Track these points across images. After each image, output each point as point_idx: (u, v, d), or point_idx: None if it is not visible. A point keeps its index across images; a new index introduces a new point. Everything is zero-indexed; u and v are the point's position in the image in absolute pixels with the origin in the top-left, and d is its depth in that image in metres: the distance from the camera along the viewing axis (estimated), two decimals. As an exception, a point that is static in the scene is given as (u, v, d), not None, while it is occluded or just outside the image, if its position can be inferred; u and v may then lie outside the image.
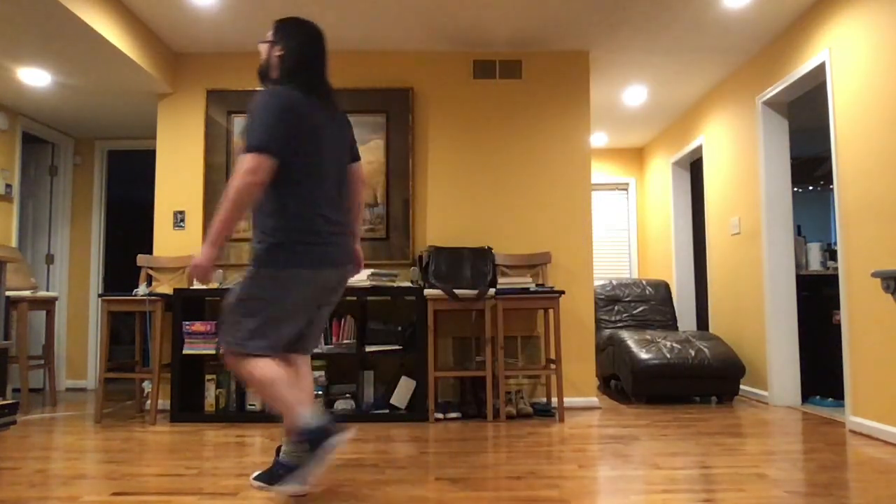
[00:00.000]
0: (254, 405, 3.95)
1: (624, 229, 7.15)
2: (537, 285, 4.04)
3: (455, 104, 4.51)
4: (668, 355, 4.44)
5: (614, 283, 5.63)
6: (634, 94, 5.36)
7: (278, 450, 2.39)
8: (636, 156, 7.16)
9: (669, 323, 5.49)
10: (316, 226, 2.31)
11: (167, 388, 4.20)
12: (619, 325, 5.42)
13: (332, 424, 2.23)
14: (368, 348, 3.94)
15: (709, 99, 5.35)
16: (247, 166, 2.18)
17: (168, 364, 4.04)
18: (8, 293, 4.32)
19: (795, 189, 6.66)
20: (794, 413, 4.04)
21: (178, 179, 4.47)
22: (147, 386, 4.19)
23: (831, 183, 6.73)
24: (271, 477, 2.26)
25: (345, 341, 3.98)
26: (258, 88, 4.48)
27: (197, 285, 4.11)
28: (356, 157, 2.59)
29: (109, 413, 4.24)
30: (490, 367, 3.84)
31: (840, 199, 3.58)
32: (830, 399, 4.28)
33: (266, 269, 2.27)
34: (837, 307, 4.26)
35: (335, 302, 2.49)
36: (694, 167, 6.16)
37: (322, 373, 3.97)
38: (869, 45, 3.34)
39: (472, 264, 4.17)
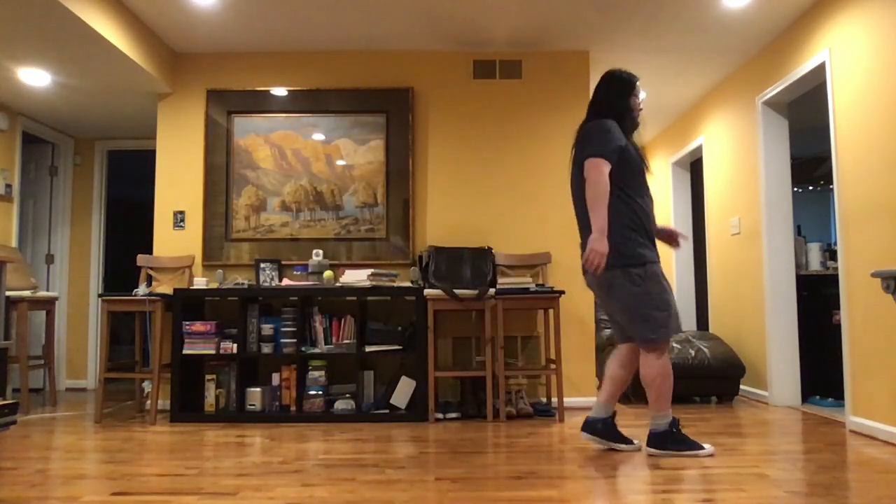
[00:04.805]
0: (254, 405, 3.95)
1: (624, 229, 7.13)
2: (537, 285, 4.04)
3: (455, 104, 4.51)
4: (668, 355, 4.43)
5: (614, 283, 5.62)
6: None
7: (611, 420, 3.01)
8: (636, 156, 7.15)
9: (669, 323, 5.47)
10: None
11: (167, 388, 4.19)
12: (619, 325, 5.41)
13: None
14: (368, 348, 3.94)
15: (709, 99, 5.35)
16: None
17: (168, 364, 4.04)
18: (8, 293, 4.32)
19: (795, 189, 6.64)
20: (794, 413, 4.04)
21: (178, 179, 4.47)
22: (147, 386, 4.19)
23: (831, 183, 6.71)
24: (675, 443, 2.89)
25: (345, 341, 3.98)
26: (258, 89, 4.49)
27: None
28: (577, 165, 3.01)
29: (109, 413, 4.24)
30: (490, 367, 3.84)
31: (840, 199, 3.58)
32: (830, 399, 4.28)
33: None
34: (837, 307, 4.26)
35: (607, 302, 2.96)
36: (694, 167, 6.15)
37: (322, 373, 3.96)
38: (869, 45, 3.34)
39: (472, 264, 4.17)
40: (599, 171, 2.81)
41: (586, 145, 2.90)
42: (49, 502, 2.25)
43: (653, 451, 2.91)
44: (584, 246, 2.97)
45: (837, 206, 3.60)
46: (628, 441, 3.01)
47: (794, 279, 4.37)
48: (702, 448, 2.87)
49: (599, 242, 2.77)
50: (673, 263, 6.17)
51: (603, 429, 3.00)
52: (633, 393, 4.46)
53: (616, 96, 3.04)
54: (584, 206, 2.94)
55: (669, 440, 2.88)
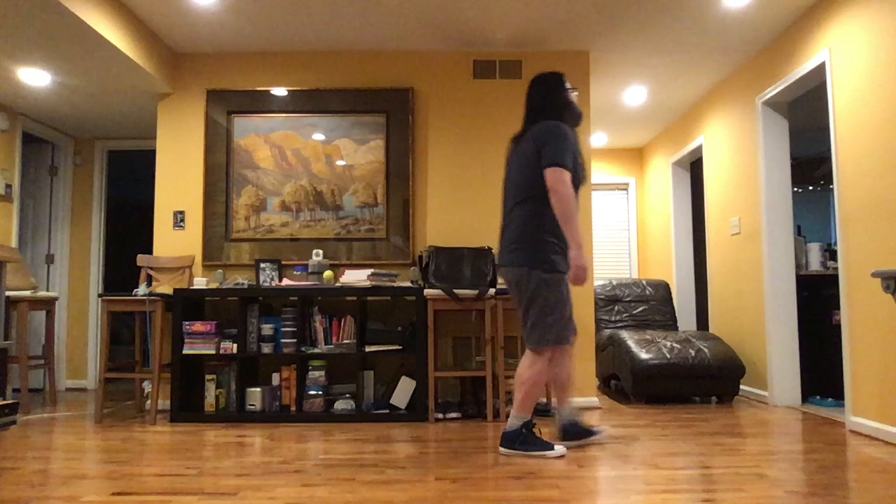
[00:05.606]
0: (254, 405, 3.95)
1: (624, 229, 7.15)
2: (537, 285, 4.03)
3: (455, 104, 4.51)
4: (668, 355, 4.44)
5: (614, 283, 5.63)
6: (634, 94, 5.36)
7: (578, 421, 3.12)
8: (636, 156, 7.16)
9: (669, 323, 5.49)
10: None
11: (167, 388, 4.20)
12: (619, 325, 5.42)
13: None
14: (368, 348, 3.94)
15: (709, 99, 5.35)
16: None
17: (168, 364, 4.04)
18: (8, 293, 4.32)
19: (795, 189, 6.66)
20: (794, 413, 4.04)
21: (178, 179, 4.47)
22: (147, 386, 4.19)
23: (831, 183, 6.72)
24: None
25: (345, 341, 3.98)
26: (258, 89, 4.49)
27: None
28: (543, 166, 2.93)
29: (109, 413, 4.25)
30: (490, 367, 3.84)
31: (840, 199, 3.58)
32: (830, 399, 4.28)
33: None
34: (837, 307, 4.26)
35: (519, 300, 2.97)
36: (694, 167, 6.16)
37: (322, 373, 3.96)
38: (869, 45, 3.34)
39: (472, 264, 4.16)
40: (567, 185, 2.83)
41: (546, 148, 2.88)
42: (49, 502, 2.25)
43: (503, 450, 2.95)
44: (502, 241, 3.01)
45: (837, 206, 3.60)
46: (595, 432, 3.13)
47: (794, 279, 4.37)
48: (552, 449, 2.88)
49: (581, 258, 2.84)
50: (673, 263, 6.18)
51: (573, 430, 3.12)
52: (634, 392, 4.46)
53: (551, 95, 3.04)
54: (513, 200, 2.98)
55: (518, 440, 2.91)
